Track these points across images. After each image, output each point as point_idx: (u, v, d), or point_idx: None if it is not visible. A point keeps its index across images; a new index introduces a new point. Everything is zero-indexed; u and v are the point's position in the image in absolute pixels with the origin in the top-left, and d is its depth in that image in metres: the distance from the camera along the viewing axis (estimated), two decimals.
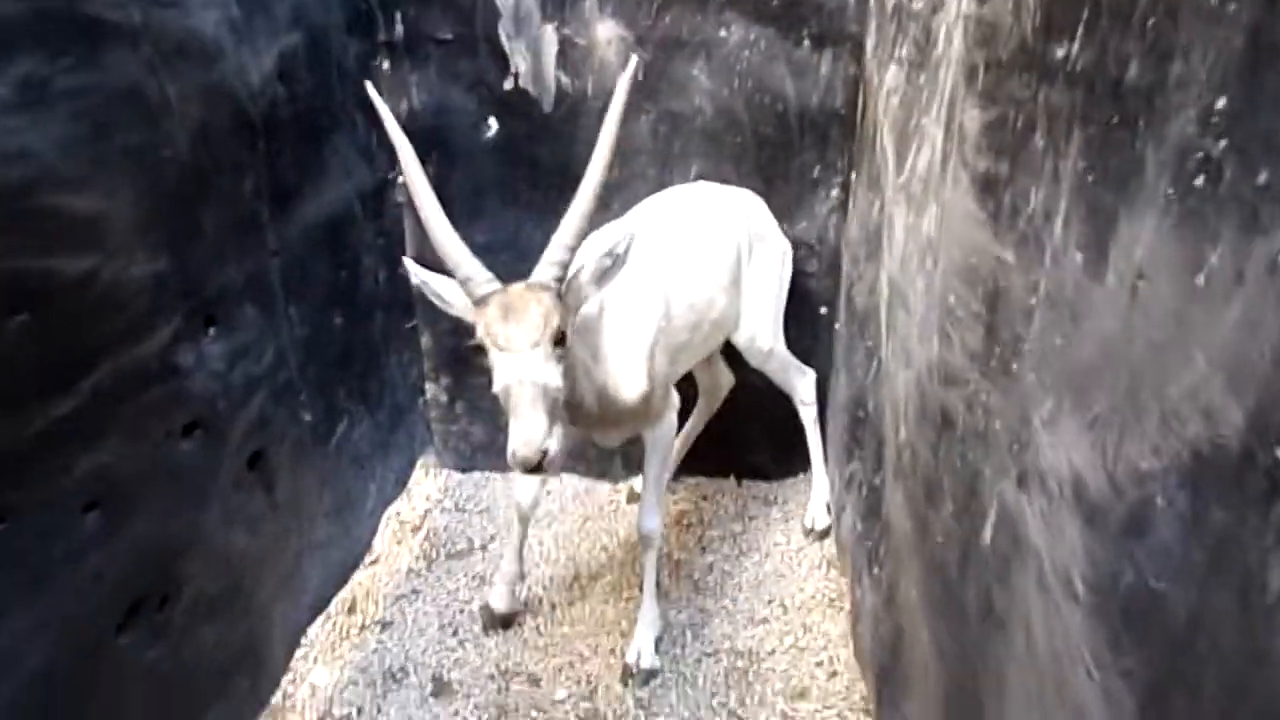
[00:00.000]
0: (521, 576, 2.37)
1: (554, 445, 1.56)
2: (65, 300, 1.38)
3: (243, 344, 1.88)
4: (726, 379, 2.66)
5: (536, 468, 1.54)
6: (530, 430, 1.52)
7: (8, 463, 1.28)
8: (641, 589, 2.21)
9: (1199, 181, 0.67)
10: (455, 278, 1.61)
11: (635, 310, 1.92)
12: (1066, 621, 0.89)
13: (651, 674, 2.13)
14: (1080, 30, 0.89)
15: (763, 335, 2.37)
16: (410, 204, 2.54)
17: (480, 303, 1.57)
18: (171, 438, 1.66)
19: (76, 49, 1.39)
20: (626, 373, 1.88)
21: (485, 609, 2.31)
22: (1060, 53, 0.94)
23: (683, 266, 2.09)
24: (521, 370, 1.53)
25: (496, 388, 1.57)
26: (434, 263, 1.68)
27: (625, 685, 2.11)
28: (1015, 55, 1.08)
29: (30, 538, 1.32)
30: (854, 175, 2.41)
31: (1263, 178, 0.60)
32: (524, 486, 2.25)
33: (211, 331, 1.76)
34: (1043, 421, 0.97)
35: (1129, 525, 0.77)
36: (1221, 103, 0.65)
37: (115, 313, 1.50)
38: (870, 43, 2.18)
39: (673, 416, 2.10)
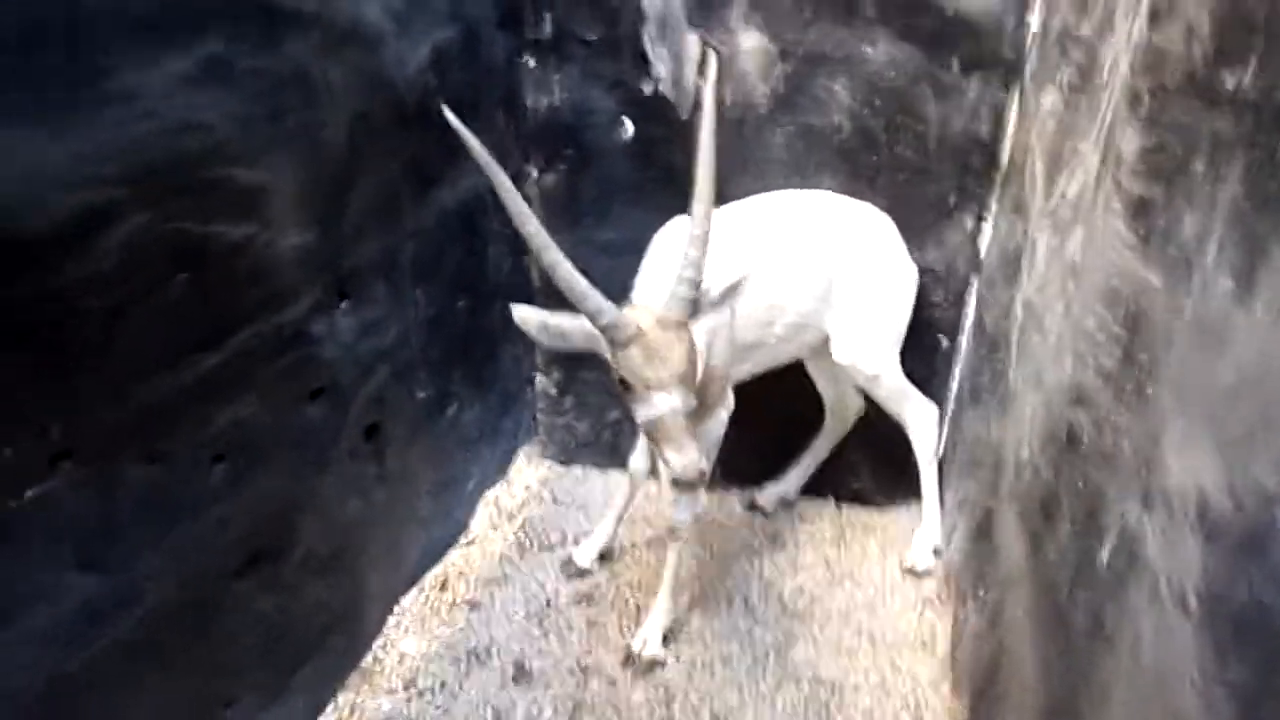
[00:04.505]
0: (615, 540, 2.54)
1: (706, 463, 1.68)
2: (222, 264, 1.48)
3: (371, 319, 1.97)
4: (855, 403, 2.60)
5: (694, 486, 1.68)
6: (689, 455, 1.62)
7: (164, 410, 1.39)
8: (663, 579, 2.24)
9: None
10: (581, 312, 1.63)
11: None
12: (1176, 636, 0.94)
13: (654, 663, 2.17)
14: (1253, 60, 0.90)
15: (865, 358, 2.29)
16: (539, 202, 2.65)
17: (620, 344, 1.62)
18: (299, 402, 1.75)
19: (256, 33, 1.50)
20: None
21: (569, 561, 2.50)
22: (1230, 81, 0.94)
23: (760, 266, 2.05)
24: (672, 404, 1.62)
25: (643, 419, 1.66)
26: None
27: (625, 669, 2.17)
28: (1183, 82, 1.08)
29: (168, 482, 1.43)
30: (995, 201, 2.34)
31: None
32: (639, 452, 2.35)
33: (344, 305, 1.86)
34: (1173, 443, 0.99)
35: (1248, 543, 0.82)
36: None
37: (263, 280, 1.60)
38: (1029, 68, 2.13)
39: (724, 415, 2.13)
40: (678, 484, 1.65)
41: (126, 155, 1.26)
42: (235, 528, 1.60)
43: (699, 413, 2.07)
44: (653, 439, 1.67)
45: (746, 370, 2.21)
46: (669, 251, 2.02)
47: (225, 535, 1.58)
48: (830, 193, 2.37)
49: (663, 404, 1.62)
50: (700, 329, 1.94)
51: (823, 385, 2.60)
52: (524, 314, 1.66)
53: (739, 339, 2.06)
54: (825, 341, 2.32)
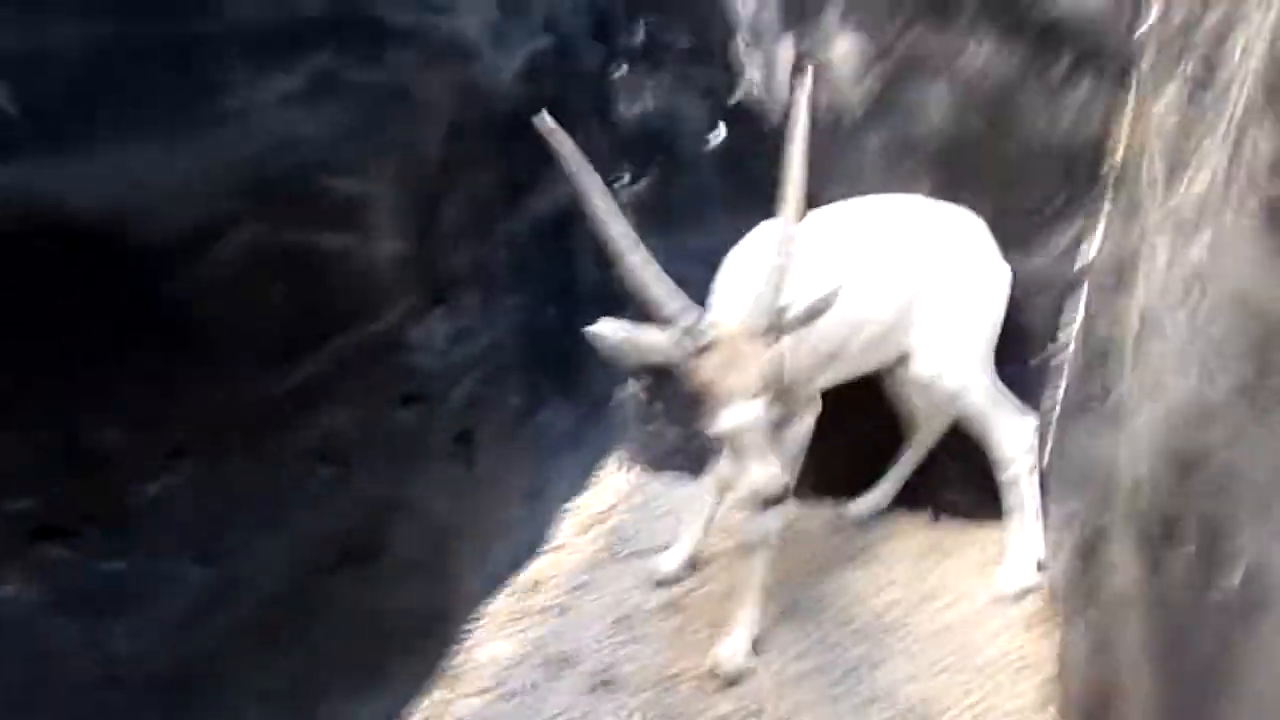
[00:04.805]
0: (701, 547, 2.50)
1: (789, 475, 1.64)
2: (321, 273, 1.54)
3: (464, 326, 2.00)
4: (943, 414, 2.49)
5: (778, 499, 1.63)
6: (770, 468, 1.60)
7: (269, 412, 1.45)
8: (749, 588, 2.20)
9: None
10: (661, 317, 1.60)
11: None
12: None
13: (741, 674, 2.12)
14: None
15: (950, 372, 2.19)
16: (630, 209, 2.65)
17: (698, 352, 1.59)
18: (394, 407, 1.80)
19: (361, 48, 1.55)
20: None
21: (655, 568, 2.47)
22: None
23: (844, 276, 1.99)
24: (749, 417, 1.59)
25: (721, 431, 1.61)
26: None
27: (712, 677, 2.12)
28: None
29: (277, 480, 1.49)
30: (1107, 202, 2.22)
31: None
32: (723, 460, 2.30)
33: (438, 311, 1.90)
34: None
35: None
36: None
37: (361, 287, 1.65)
38: (1146, 61, 2.01)
39: (810, 420, 2.11)
40: (758, 497, 1.61)
41: (237, 169, 1.32)
42: (333, 526, 1.65)
43: (781, 423, 2.03)
44: (732, 451, 1.64)
45: (826, 380, 2.15)
46: (749, 260, 1.98)
47: (323, 533, 1.63)
48: (918, 197, 2.29)
49: (742, 415, 1.58)
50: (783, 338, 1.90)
51: (906, 396, 2.51)
52: (601, 330, 1.59)
53: (819, 349, 2.01)
54: (906, 356, 2.23)
